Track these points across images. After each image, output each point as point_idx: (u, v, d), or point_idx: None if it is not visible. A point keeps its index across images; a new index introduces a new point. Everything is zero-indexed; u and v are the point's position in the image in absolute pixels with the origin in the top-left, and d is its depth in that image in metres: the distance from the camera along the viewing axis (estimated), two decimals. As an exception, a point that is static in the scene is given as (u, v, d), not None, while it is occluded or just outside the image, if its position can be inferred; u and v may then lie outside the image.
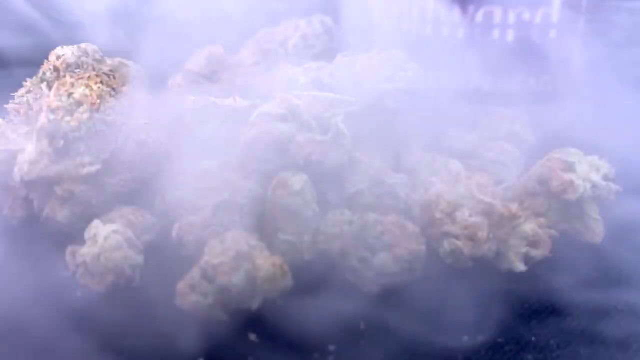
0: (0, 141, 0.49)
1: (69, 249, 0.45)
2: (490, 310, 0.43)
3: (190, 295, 0.40)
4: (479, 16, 0.66)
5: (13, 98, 0.52)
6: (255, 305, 0.40)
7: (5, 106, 0.51)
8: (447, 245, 0.45)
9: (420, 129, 0.61)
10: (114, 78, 0.50)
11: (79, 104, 0.45)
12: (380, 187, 0.49)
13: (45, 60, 0.53)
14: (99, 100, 0.45)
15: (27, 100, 0.51)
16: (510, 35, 0.67)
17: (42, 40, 0.56)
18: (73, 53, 0.52)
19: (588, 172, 0.49)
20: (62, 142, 0.45)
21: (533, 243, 0.46)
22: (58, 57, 0.52)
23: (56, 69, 0.52)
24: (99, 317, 0.42)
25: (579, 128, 0.57)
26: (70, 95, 0.45)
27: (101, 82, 0.47)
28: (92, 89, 0.45)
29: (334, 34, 0.67)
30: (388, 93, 0.54)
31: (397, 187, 0.49)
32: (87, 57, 0.53)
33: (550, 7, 0.65)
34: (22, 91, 0.52)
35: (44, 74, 0.52)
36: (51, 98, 0.45)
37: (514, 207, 0.46)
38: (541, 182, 0.50)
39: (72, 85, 0.45)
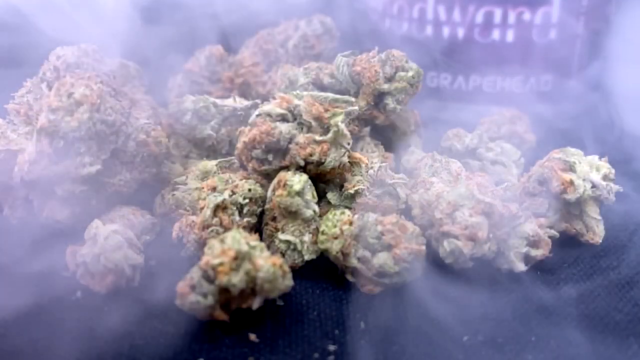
0: (0, 141, 0.48)
1: (69, 249, 0.45)
2: (490, 310, 0.43)
3: (190, 295, 0.40)
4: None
5: (13, 98, 0.52)
6: (255, 305, 0.40)
7: (5, 106, 0.51)
8: (447, 245, 0.45)
9: (420, 129, 0.61)
10: (114, 78, 0.49)
11: (79, 104, 0.44)
12: (380, 187, 0.49)
13: (45, 60, 0.53)
14: (99, 100, 0.45)
15: (27, 100, 0.51)
16: (510, 35, 0.67)
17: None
18: (73, 53, 0.52)
19: (588, 172, 0.49)
20: (62, 142, 0.44)
21: (533, 243, 0.47)
22: (58, 57, 0.52)
23: (56, 69, 0.52)
24: (99, 317, 0.42)
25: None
26: (70, 95, 0.45)
27: (101, 82, 0.47)
28: (92, 89, 0.45)
29: (334, 34, 0.67)
30: (388, 93, 0.54)
31: (397, 187, 0.50)
32: (87, 57, 0.53)
33: (550, 7, 0.65)
34: (22, 91, 0.52)
35: (44, 74, 0.52)
36: (51, 98, 0.45)
37: (514, 207, 0.46)
38: (541, 182, 0.50)
39: (72, 85, 0.45)
